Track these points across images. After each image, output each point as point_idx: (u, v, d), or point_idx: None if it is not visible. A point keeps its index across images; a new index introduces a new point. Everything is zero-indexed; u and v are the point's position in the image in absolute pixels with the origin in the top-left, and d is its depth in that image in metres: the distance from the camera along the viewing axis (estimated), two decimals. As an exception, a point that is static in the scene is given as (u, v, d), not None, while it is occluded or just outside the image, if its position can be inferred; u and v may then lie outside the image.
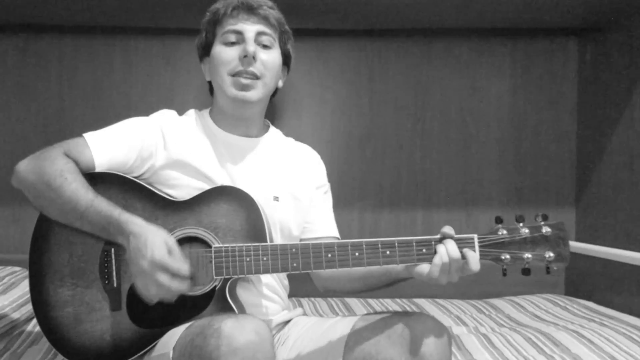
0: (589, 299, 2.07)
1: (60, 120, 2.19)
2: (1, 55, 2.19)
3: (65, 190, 1.14)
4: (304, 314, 1.41)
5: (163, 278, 1.07)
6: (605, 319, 1.78)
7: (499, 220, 1.12)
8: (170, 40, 2.21)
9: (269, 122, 1.43)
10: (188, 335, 1.03)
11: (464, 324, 1.83)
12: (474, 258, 1.08)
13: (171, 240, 1.11)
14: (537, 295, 2.15)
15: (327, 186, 1.45)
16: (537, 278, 2.24)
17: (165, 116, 1.32)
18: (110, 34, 2.19)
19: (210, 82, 1.37)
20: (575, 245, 2.22)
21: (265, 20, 1.28)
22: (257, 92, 1.28)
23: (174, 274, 1.07)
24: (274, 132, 1.42)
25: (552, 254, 1.10)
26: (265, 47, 1.28)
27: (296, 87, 2.27)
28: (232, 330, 0.95)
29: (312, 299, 2.09)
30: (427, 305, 2.04)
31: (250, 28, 1.27)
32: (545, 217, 1.11)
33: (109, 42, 2.20)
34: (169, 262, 1.07)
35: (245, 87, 1.26)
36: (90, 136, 1.23)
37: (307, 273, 1.37)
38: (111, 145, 1.23)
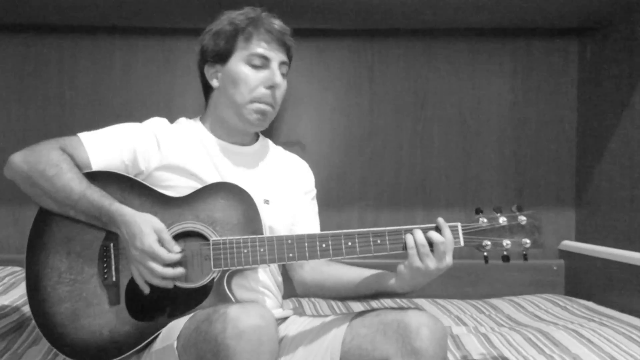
0: (589, 299, 2.07)
1: (60, 120, 2.19)
2: (1, 55, 2.19)
3: (60, 178, 1.16)
4: (301, 312, 1.43)
5: (154, 266, 1.11)
6: (605, 319, 1.78)
7: (478, 211, 1.20)
8: (170, 40, 2.21)
9: (259, 132, 1.46)
10: (192, 323, 1.05)
11: (464, 324, 1.83)
12: (437, 238, 1.12)
13: (160, 225, 1.14)
14: (537, 295, 2.15)
15: (314, 192, 1.48)
16: (537, 278, 2.25)
17: (157, 123, 1.34)
18: (110, 34, 2.20)
19: (209, 87, 1.38)
20: (575, 245, 2.22)
21: (287, 50, 1.34)
22: (269, 121, 1.35)
23: (165, 262, 1.11)
24: (264, 140, 1.46)
25: (528, 241, 1.18)
26: (283, 75, 1.34)
27: (296, 87, 2.27)
28: (237, 314, 0.97)
29: (312, 299, 2.09)
30: (427, 305, 2.04)
31: (277, 57, 1.31)
32: (520, 208, 1.19)
33: (109, 42, 2.21)
34: (158, 250, 1.11)
35: (263, 115, 1.31)
36: (85, 136, 1.25)
37: (289, 278, 1.40)
38: (106, 147, 1.25)
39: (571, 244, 2.24)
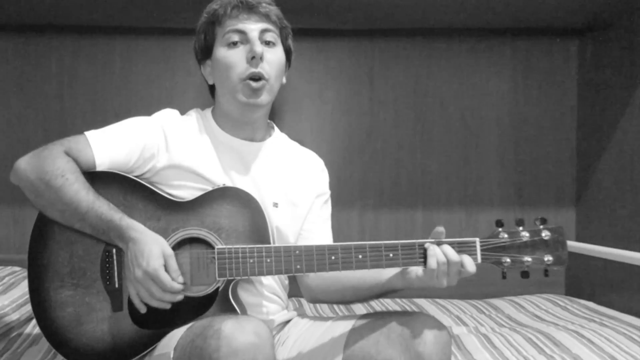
0: (589, 299, 2.08)
1: (60, 120, 2.19)
2: (1, 55, 2.19)
3: (66, 191, 1.13)
4: (303, 314, 1.41)
5: (155, 289, 1.09)
6: (605, 319, 1.78)
7: (499, 224, 1.13)
8: (170, 40, 2.21)
9: (274, 124, 1.41)
10: (188, 335, 1.03)
11: (464, 324, 1.83)
12: (469, 261, 1.10)
13: (169, 251, 1.12)
14: (537, 295, 2.15)
15: (327, 195, 1.43)
16: (537, 278, 2.24)
17: (167, 116, 1.30)
18: (110, 34, 2.20)
19: (212, 86, 1.35)
20: (575, 245, 2.22)
21: (266, 17, 1.26)
22: (266, 96, 1.26)
23: (167, 289, 1.09)
24: (278, 135, 1.40)
25: (551, 258, 1.12)
26: (269, 43, 1.26)
27: (296, 87, 2.27)
28: (232, 331, 0.95)
29: (312, 299, 2.09)
30: (427, 305, 2.04)
31: (253, 27, 1.25)
32: (544, 221, 1.12)
33: (109, 42, 2.21)
34: (162, 276, 1.09)
35: (255, 93, 1.24)
36: (91, 134, 1.22)
37: (295, 282, 1.37)
38: (113, 145, 1.21)
39: (571, 244, 2.24)
